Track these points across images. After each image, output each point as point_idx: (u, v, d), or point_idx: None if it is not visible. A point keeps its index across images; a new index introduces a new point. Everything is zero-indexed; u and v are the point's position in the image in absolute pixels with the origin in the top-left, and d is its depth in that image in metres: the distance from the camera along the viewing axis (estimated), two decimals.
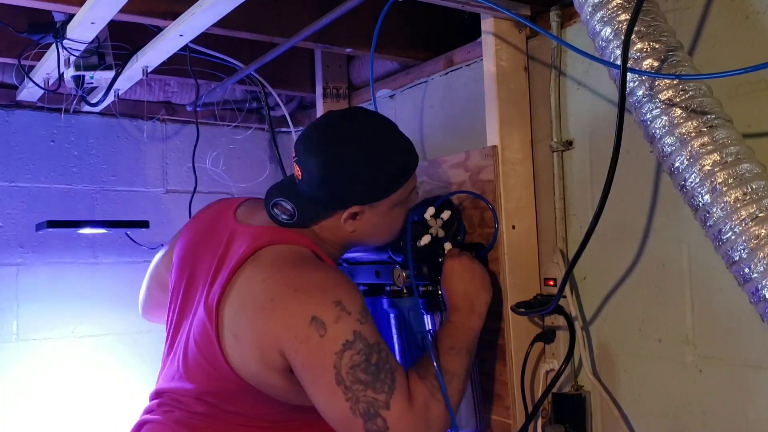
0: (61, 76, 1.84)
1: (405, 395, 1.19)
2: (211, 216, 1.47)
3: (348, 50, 1.91)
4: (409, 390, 1.21)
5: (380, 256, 1.57)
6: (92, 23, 1.54)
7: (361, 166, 1.29)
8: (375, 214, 1.34)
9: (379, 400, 1.16)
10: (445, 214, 1.50)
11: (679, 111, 1.07)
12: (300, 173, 1.33)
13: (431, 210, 1.49)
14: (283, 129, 2.60)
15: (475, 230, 1.59)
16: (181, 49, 1.72)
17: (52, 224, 1.99)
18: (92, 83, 1.87)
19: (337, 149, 1.30)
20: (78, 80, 1.83)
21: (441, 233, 1.49)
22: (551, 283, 1.51)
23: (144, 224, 2.13)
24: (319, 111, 2.23)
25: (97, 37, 1.69)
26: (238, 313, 1.24)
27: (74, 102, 2.19)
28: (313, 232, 1.35)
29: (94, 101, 2.00)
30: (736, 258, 1.01)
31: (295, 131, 2.52)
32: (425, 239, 1.46)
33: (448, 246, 1.49)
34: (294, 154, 1.35)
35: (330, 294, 1.20)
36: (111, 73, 1.82)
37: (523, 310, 1.46)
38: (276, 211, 1.35)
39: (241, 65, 1.93)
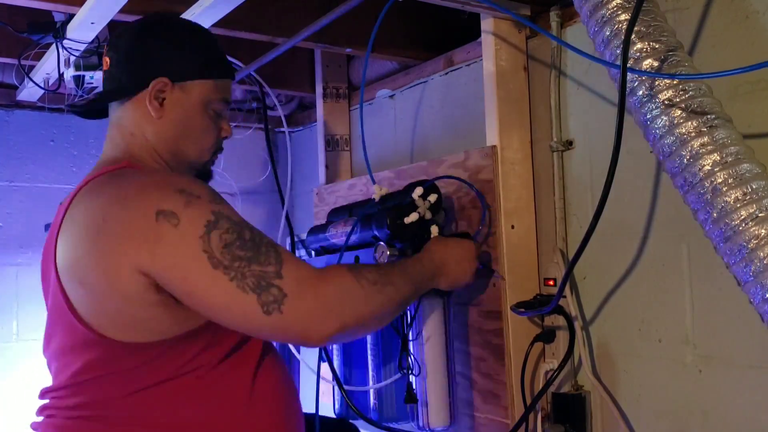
0: (61, 76, 1.84)
1: (298, 264, 1.06)
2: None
3: (348, 50, 1.91)
4: (304, 263, 1.08)
5: (363, 238, 1.56)
6: (92, 23, 1.55)
7: (175, 35, 1.22)
8: (181, 102, 1.19)
9: (268, 271, 1.02)
10: (432, 197, 1.49)
11: (679, 111, 1.07)
12: (108, 61, 1.21)
13: (419, 190, 1.48)
14: (282, 129, 2.60)
15: (475, 230, 1.59)
16: None
17: None
18: (92, 83, 1.87)
19: (154, 24, 1.24)
20: (78, 80, 1.83)
21: (428, 215, 1.48)
22: (551, 283, 1.51)
23: None
24: (319, 111, 2.23)
25: (97, 37, 1.69)
26: (73, 255, 1.08)
27: (75, 100, 2.19)
28: (125, 150, 1.20)
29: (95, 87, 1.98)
30: (736, 258, 1.01)
31: (291, 131, 2.53)
32: (412, 217, 1.45)
33: (435, 230, 1.47)
34: (104, 49, 1.25)
35: (168, 186, 1.06)
36: None
37: (523, 309, 1.46)
38: (74, 105, 1.27)
39: (240, 65, 1.93)
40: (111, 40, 1.25)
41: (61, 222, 1.12)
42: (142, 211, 1.02)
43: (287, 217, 1.77)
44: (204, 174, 1.28)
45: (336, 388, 1.64)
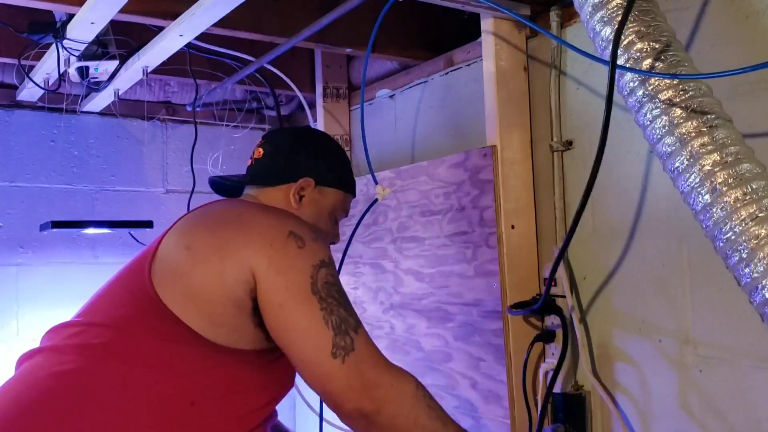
0: (61, 76, 1.84)
1: (369, 338, 1.14)
2: None
3: (348, 50, 1.91)
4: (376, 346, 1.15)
5: None
6: (92, 23, 1.54)
7: (326, 149, 1.40)
8: (317, 202, 1.34)
9: (351, 321, 1.11)
10: None
11: (679, 111, 1.07)
12: (261, 152, 1.37)
13: None
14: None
15: (475, 230, 1.59)
16: (181, 48, 1.72)
17: (57, 224, 1.99)
18: (96, 77, 1.87)
19: (309, 134, 1.45)
20: (82, 72, 1.83)
21: None
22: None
23: (148, 224, 2.13)
24: (319, 111, 2.23)
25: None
26: (195, 227, 1.18)
27: (81, 98, 2.19)
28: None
29: (98, 85, 1.97)
30: (736, 258, 1.01)
31: None
32: None
33: None
34: (260, 142, 1.40)
35: (305, 223, 1.20)
36: (115, 63, 1.82)
37: (518, 309, 1.46)
38: (216, 180, 1.41)
39: (251, 58, 1.92)
40: (268, 136, 1.43)
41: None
42: (278, 224, 1.15)
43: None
44: None
45: None
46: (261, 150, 1.38)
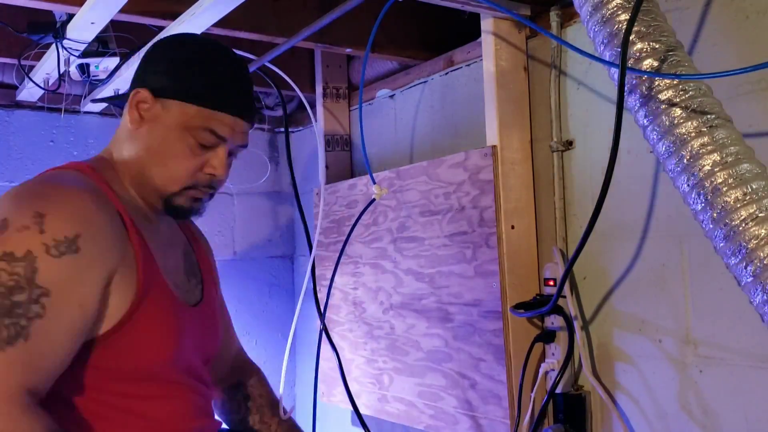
0: (61, 76, 1.84)
1: (20, 370, 0.91)
2: None
3: (348, 50, 1.91)
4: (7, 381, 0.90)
5: None
6: (92, 23, 1.54)
7: (178, 56, 1.15)
8: (162, 119, 1.12)
9: None
10: None
11: (679, 111, 1.07)
12: None
13: None
14: (281, 129, 2.60)
15: (475, 230, 1.59)
16: None
17: None
18: (98, 75, 1.87)
19: (177, 38, 1.21)
20: (83, 69, 1.83)
21: None
22: (551, 283, 1.51)
23: None
24: (319, 111, 2.23)
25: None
26: None
27: (83, 96, 2.19)
28: (97, 157, 1.19)
29: (101, 79, 1.96)
30: (736, 258, 1.01)
31: (291, 131, 2.53)
32: None
33: None
34: None
35: (40, 204, 0.98)
36: (115, 60, 1.82)
37: (522, 310, 1.46)
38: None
39: (252, 56, 1.91)
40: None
41: None
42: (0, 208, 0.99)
43: (303, 220, 1.76)
44: (172, 210, 1.18)
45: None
46: None
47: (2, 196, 1.05)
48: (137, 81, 1.17)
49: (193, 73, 1.14)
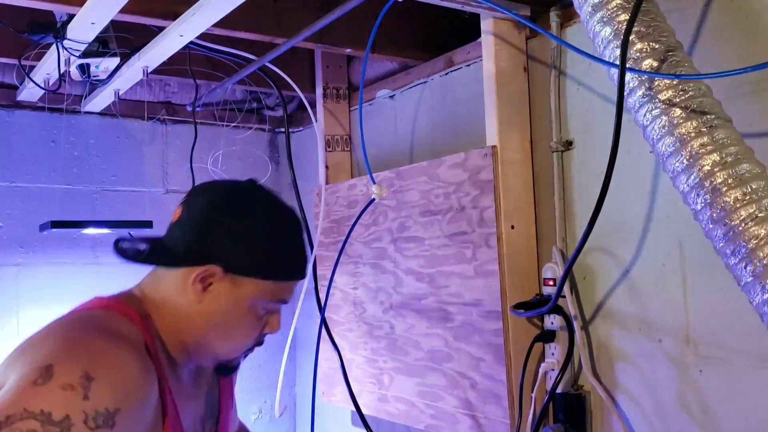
0: (61, 76, 1.84)
1: None
2: None
3: (348, 50, 1.91)
4: None
5: None
6: (92, 23, 1.54)
7: (249, 228, 1.09)
8: (231, 294, 1.08)
9: None
10: None
11: (678, 111, 1.07)
12: (180, 212, 1.11)
13: None
14: (281, 129, 2.61)
15: (475, 230, 1.59)
16: (182, 48, 1.73)
17: (57, 224, 1.99)
18: (98, 75, 1.87)
19: (238, 201, 1.11)
20: (83, 69, 1.83)
21: None
22: (551, 283, 1.51)
23: (147, 224, 2.13)
24: (320, 111, 2.23)
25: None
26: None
27: (84, 96, 2.19)
28: (153, 307, 1.09)
29: (101, 79, 1.95)
30: (736, 258, 1.01)
31: (291, 131, 2.53)
32: None
33: None
34: (184, 198, 1.15)
35: (90, 363, 0.93)
36: (116, 60, 1.82)
37: (522, 310, 1.46)
38: (121, 245, 1.09)
39: (251, 56, 1.91)
40: (194, 191, 1.15)
41: None
42: (46, 352, 0.95)
43: (304, 217, 1.77)
44: (227, 370, 1.17)
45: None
46: (179, 211, 1.11)
47: (50, 329, 1.01)
48: (202, 253, 1.07)
49: (271, 250, 1.10)
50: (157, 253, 1.10)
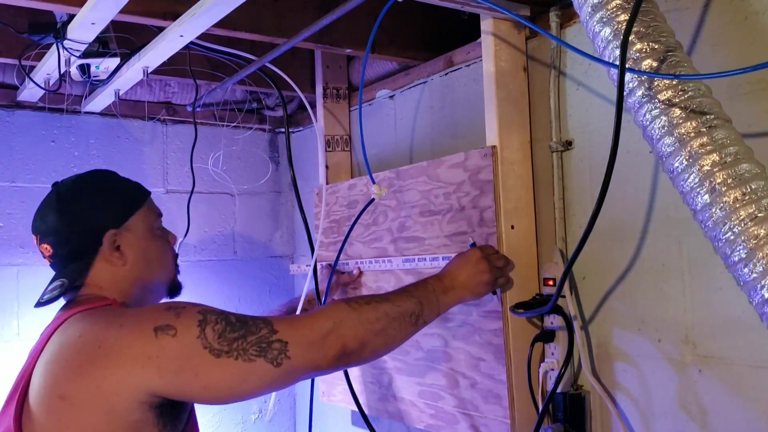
0: (61, 76, 1.85)
1: (289, 317, 1.22)
2: None
3: (348, 51, 1.91)
4: (295, 316, 1.27)
5: None
6: (93, 24, 1.55)
7: (93, 196, 1.34)
8: (135, 237, 1.34)
9: (263, 334, 1.13)
10: None
11: (678, 111, 1.07)
12: (48, 248, 1.31)
13: None
14: (281, 129, 2.61)
15: (475, 230, 1.59)
16: (182, 49, 1.73)
17: None
18: (98, 75, 1.87)
19: (66, 196, 1.33)
20: (84, 69, 1.83)
21: None
22: (551, 282, 1.51)
23: None
24: (320, 111, 2.23)
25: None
26: (60, 373, 1.10)
27: (84, 96, 2.19)
28: (110, 293, 1.30)
29: (101, 79, 1.96)
30: (736, 258, 1.01)
31: (291, 131, 2.53)
32: None
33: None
34: (35, 240, 1.34)
35: (157, 310, 1.15)
36: (116, 61, 1.83)
37: (522, 310, 1.46)
38: (48, 296, 1.28)
39: (251, 56, 1.92)
40: (36, 225, 1.34)
41: (43, 348, 1.18)
42: (139, 332, 1.10)
43: (304, 219, 1.76)
44: (175, 288, 1.45)
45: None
46: (46, 247, 1.31)
47: (108, 326, 1.15)
48: (92, 236, 1.30)
49: (117, 189, 1.38)
50: (71, 272, 1.29)
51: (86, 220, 1.31)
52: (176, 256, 1.45)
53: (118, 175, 1.44)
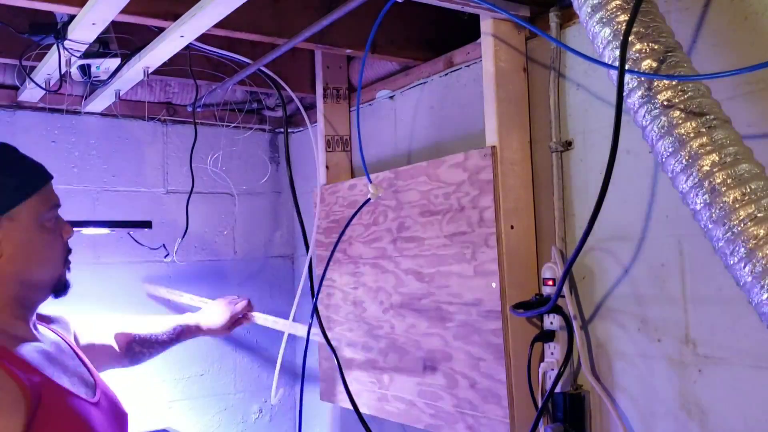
0: (62, 76, 1.85)
1: None
2: None
3: (348, 51, 1.92)
4: None
5: None
6: (93, 24, 1.55)
7: None
8: (17, 228, 1.20)
9: None
10: None
11: (677, 112, 1.07)
12: None
13: None
14: (281, 130, 2.60)
15: (475, 230, 1.59)
16: (182, 49, 1.73)
17: None
18: (99, 75, 1.87)
19: None
20: (84, 69, 1.83)
21: None
22: (550, 282, 1.51)
23: (147, 224, 2.13)
24: (320, 111, 2.24)
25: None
26: None
27: (84, 96, 2.19)
28: None
29: (102, 80, 1.97)
30: (735, 258, 1.02)
31: (291, 132, 2.53)
32: None
33: None
34: None
35: None
36: (117, 61, 1.83)
37: (521, 310, 1.46)
38: None
39: (249, 60, 1.92)
40: None
41: None
42: None
43: (300, 219, 1.76)
44: (61, 287, 1.30)
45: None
46: None
47: None
48: None
49: (5, 175, 1.21)
50: None
51: None
52: (68, 251, 1.31)
53: (16, 154, 1.28)
